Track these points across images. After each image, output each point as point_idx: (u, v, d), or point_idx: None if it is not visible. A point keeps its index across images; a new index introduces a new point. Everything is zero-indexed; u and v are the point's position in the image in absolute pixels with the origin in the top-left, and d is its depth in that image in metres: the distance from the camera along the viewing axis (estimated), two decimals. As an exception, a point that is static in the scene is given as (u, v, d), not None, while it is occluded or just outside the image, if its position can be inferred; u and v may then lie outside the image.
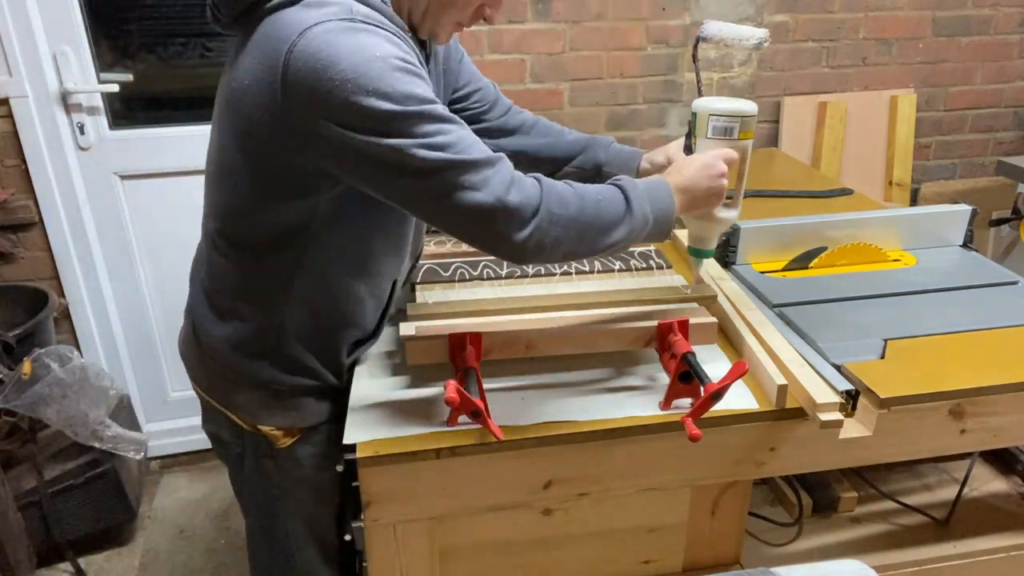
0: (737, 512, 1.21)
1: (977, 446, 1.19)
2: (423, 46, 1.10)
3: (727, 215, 1.14)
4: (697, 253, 1.20)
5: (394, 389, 1.13)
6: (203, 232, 1.14)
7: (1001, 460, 1.54)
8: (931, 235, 1.59)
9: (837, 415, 1.02)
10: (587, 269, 1.32)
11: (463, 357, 1.05)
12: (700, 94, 1.17)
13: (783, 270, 1.51)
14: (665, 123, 2.42)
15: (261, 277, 1.07)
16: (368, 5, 0.96)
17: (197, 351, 1.17)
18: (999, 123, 2.69)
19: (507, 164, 0.96)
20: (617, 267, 1.33)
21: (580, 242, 0.99)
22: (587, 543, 1.18)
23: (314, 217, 1.02)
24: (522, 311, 1.18)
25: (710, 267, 1.42)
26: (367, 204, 1.02)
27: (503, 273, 1.31)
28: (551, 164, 1.38)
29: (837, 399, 1.05)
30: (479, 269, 1.32)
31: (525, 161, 1.36)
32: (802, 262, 1.52)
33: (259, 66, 0.91)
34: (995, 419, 1.14)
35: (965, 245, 1.60)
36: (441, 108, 0.93)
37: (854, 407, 1.11)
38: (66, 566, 2.05)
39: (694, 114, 1.12)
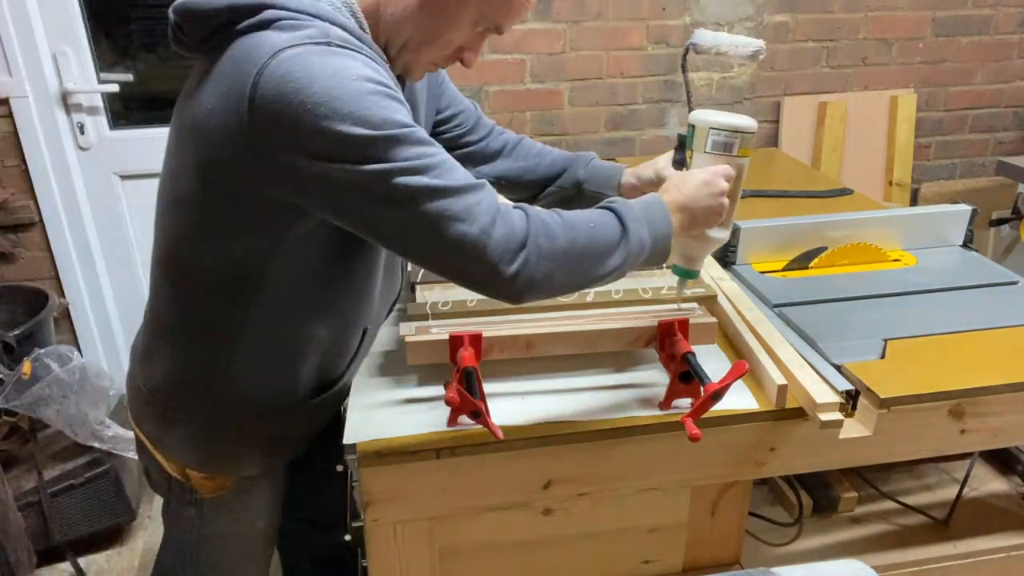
0: (737, 512, 1.21)
1: (977, 446, 1.19)
2: (399, 79, 1.03)
3: (720, 235, 1.07)
4: (684, 274, 1.11)
5: (394, 389, 1.13)
6: (152, 263, 1.07)
7: (1001, 460, 1.54)
8: (931, 235, 1.59)
9: (837, 415, 1.02)
10: (587, 269, 1.32)
11: (463, 357, 1.05)
12: (690, 107, 1.10)
13: (783, 270, 1.51)
14: (665, 123, 2.42)
15: (211, 313, 1.01)
16: (345, 29, 0.90)
17: (139, 385, 1.12)
18: (999, 123, 2.69)
19: (491, 192, 0.90)
20: (617, 267, 1.33)
21: (574, 274, 0.92)
22: (587, 543, 1.18)
23: (273, 253, 0.96)
24: (522, 311, 1.18)
25: (710, 267, 1.42)
26: (331, 242, 0.97)
27: (503, 273, 1.31)
28: (533, 187, 1.33)
29: (837, 399, 1.05)
30: (479, 269, 1.32)
31: (507, 185, 1.33)
32: (802, 262, 1.52)
33: (225, 91, 0.85)
34: (995, 419, 1.14)
35: (965, 245, 1.60)
36: (421, 132, 0.87)
37: (854, 407, 1.11)
38: (66, 566, 2.05)
39: (691, 127, 1.05)
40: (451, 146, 1.29)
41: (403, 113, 0.86)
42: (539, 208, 0.92)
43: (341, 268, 1.01)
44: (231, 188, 0.90)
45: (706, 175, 1.01)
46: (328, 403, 1.14)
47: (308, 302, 1.02)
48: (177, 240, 0.99)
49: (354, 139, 0.82)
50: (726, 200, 1.02)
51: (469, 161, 1.31)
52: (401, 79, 1.03)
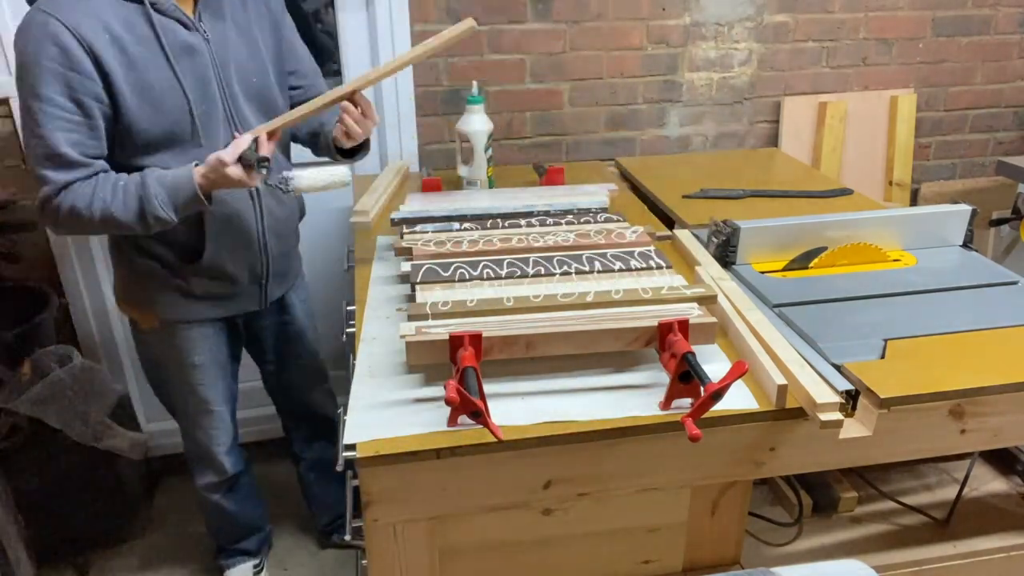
0: (737, 512, 1.21)
1: (977, 446, 1.19)
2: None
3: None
4: None
5: (394, 389, 1.13)
6: None
7: (1001, 460, 1.54)
8: (931, 235, 1.59)
9: (837, 415, 1.02)
10: (587, 269, 1.32)
11: (463, 357, 1.05)
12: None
13: (783, 270, 1.51)
14: (665, 123, 2.42)
15: None
16: None
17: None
18: (999, 123, 2.69)
19: (62, 183, 1.27)
20: (617, 267, 1.33)
21: (97, 230, 1.32)
22: (587, 543, 1.18)
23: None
24: (522, 311, 1.18)
25: (710, 267, 1.42)
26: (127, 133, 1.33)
27: (503, 273, 1.31)
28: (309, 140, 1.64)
29: (837, 399, 1.05)
30: (479, 269, 1.32)
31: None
32: (802, 262, 1.52)
33: None
34: (995, 419, 1.14)
35: (965, 245, 1.60)
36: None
37: (854, 407, 1.11)
38: (66, 566, 2.05)
39: None
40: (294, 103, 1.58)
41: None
42: (83, 190, 1.27)
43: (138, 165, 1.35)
44: None
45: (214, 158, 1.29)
46: (201, 271, 1.48)
47: None
48: None
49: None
50: (229, 171, 1.28)
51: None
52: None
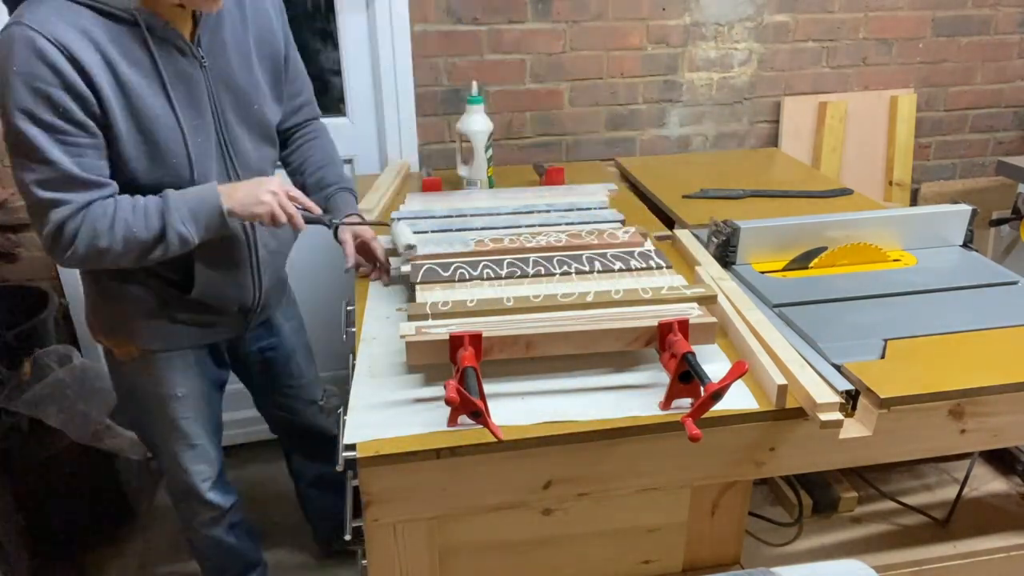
0: (737, 512, 1.21)
1: (977, 446, 1.19)
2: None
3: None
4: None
5: (394, 389, 1.13)
6: None
7: (1001, 460, 1.54)
8: (931, 235, 1.59)
9: (837, 415, 1.02)
10: (587, 269, 1.32)
11: (463, 357, 1.05)
12: None
13: (783, 270, 1.51)
14: (665, 123, 2.42)
15: None
16: None
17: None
18: (999, 123, 2.69)
19: (71, 209, 1.17)
20: (617, 267, 1.33)
21: (116, 260, 1.22)
22: (587, 543, 1.18)
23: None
24: (522, 311, 1.18)
25: (710, 267, 1.42)
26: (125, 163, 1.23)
27: (503, 273, 1.31)
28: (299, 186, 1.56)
29: (837, 399, 1.05)
30: (479, 269, 1.32)
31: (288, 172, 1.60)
32: (802, 262, 1.52)
33: None
34: (995, 419, 1.14)
35: (965, 245, 1.60)
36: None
37: (854, 407, 1.11)
38: (65, 566, 2.05)
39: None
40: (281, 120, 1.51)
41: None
42: (103, 211, 1.18)
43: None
44: None
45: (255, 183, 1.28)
46: (190, 304, 1.39)
47: None
48: None
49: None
50: (267, 198, 1.25)
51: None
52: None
